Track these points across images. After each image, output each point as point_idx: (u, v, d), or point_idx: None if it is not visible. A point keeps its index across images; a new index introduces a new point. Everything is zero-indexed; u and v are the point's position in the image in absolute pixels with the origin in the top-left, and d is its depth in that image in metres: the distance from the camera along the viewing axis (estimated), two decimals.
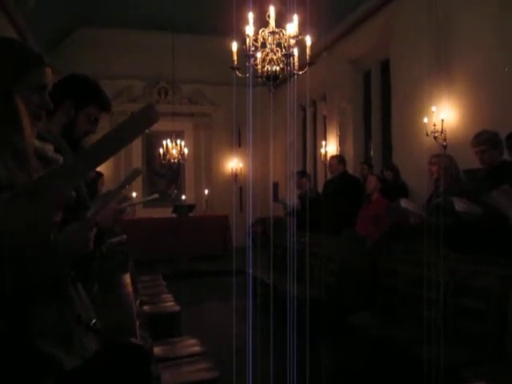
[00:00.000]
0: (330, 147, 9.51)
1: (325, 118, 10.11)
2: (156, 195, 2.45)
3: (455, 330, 3.29)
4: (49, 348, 1.06)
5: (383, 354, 3.57)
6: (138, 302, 3.06)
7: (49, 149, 1.54)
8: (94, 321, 1.23)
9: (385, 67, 8.27)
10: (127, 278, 2.51)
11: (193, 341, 3.36)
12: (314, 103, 10.83)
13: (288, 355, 3.03)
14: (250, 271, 5.94)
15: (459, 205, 3.61)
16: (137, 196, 11.55)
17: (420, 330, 3.36)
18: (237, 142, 12.20)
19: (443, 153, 5.46)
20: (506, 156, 4.05)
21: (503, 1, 5.44)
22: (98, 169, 6.23)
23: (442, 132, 6.35)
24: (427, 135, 6.45)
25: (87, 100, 1.94)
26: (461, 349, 3.13)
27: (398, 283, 4.10)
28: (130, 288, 2.36)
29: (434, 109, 6.39)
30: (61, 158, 1.37)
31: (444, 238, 3.26)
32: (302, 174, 7.08)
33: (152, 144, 11.92)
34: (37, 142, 1.31)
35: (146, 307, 4.15)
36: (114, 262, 3.26)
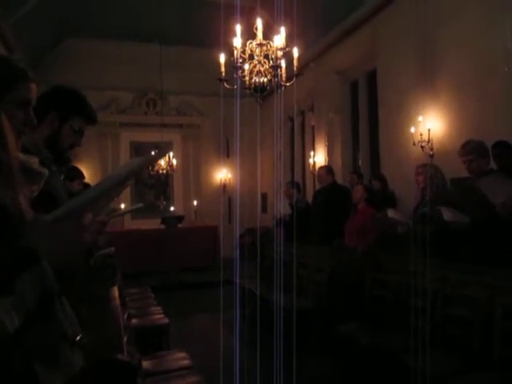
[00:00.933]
0: (319, 157, 9.55)
1: (313, 128, 10.17)
2: (141, 204, 2.44)
3: (444, 339, 3.30)
4: (33, 365, 1.04)
5: (372, 364, 3.56)
6: (125, 315, 3.02)
7: (34, 161, 1.53)
8: (79, 336, 1.21)
9: (372, 78, 8.35)
10: (115, 292, 2.48)
11: (182, 354, 3.33)
12: (302, 113, 10.89)
13: (276, 366, 3.01)
14: (238, 282, 5.92)
15: (447, 214, 3.65)
16: (125, 207, 11.50)
17: (409, 339, 3.36)
18: (225, 153, 12.20)
19: (430, 162, 5.51)
20: (491, 165, 4.11)
21: (489, 12, 5.53)
22: (86, 180, 6.14)
23: (428, 141, 6.40)
24: (414, 145, 6.51)
25: (72, 112, 1.92)
26: (449, 357, 3.14)
27: (387, 293, 4.10)
28: (117, 301, 2.33)
29: (420, 118, 6.46)
30: (46, 171, 1.36)
31: (431, 247, 3.28)
32: (294, 184, 7.11)
33: (140, 155, 11.86)
34: (21, 155, 1.30)
35: (134, 320, 4.10)
36: (101, 275, 3.22)
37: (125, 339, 2.21)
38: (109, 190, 1.16)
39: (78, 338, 1.20)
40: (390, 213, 4.42)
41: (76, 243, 1.15)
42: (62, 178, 2.41)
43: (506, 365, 2.84)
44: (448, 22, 6.13)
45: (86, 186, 5.43)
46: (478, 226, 3.54)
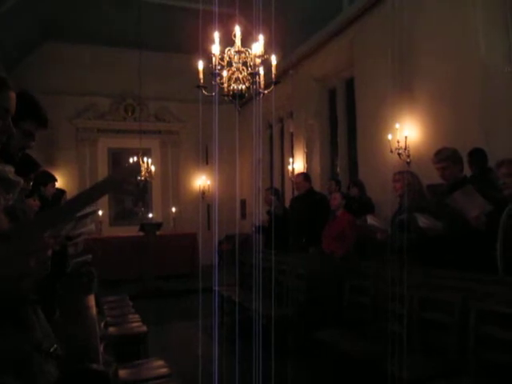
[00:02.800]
0: (298, 164, 9.60)
1: (292, 134, 10.23)
2: (95, 208, 2.40)
3: (420, 344, 3.34)
4: (4, 377, 1.02)
5: (351, 369, 3.58)
6: (102, 323, 2.98)
7: (9, 170, 1.51)
8: (54, 347, 1.19)
9: (350, 85, 8.44)
10: (91, 300, 2.45)
11: (160, 362, 3.29)
12: (281, 120, 10.95)
13: (255, 373, 3.00)
14: (217, 289, 5.90)
15: (422, 221, 3.70)
16: (103, 214, 11.38)
17: (387, 345, 3.39)
18: (204, 160, 12.19)
19: (407, 169, 5.59)
20: (466, 172, 4.18)
21: (465, 23, 5.64)
22: (61, 186, 6.14)
23: (405, 148, 6.50)
24: (391, 152, 6.60)
25: (23, 115, 1.85)
26: (426, 362, 3.17)
27: (365, 298, 4.13)
28: (93, 310, 2.30)
29: (397, 126, 6.55)
30: (21, 180, 1.34)
31: (409, 253, 3.32)
32: (273, 190, 7.12)
33: (118, 161, 11.78)
34: None
35: (111, 328, 4.05)
36: (78, 283, 3.18)
37: (101, 348, 2.19)
38: (72, 213, 1.16)
39: (52, 348, 1.18)
40: (370, 219, 4.46)
41: (13, 267, 1.08)
42: (30, 184, 2.37)
43: (480, 369, 2.89)
44: (425, 31, 6.24)
45: (62, 191, 5.37)
46: (451, 233, 3.60)
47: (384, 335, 3.61)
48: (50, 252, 1.18)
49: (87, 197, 1.12)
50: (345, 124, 8.80)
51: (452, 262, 3.51)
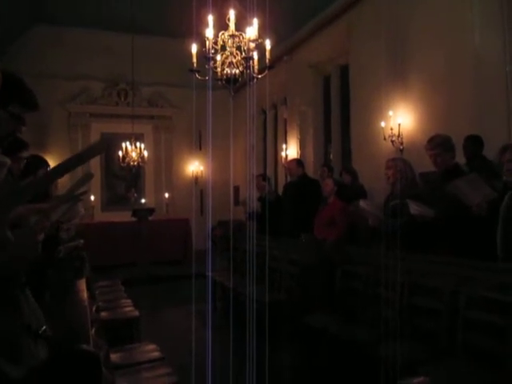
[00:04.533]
0: (291, 150, 9.59)
1: (285, 121, 10.20)
2: (85, 188, 2.37)
3: (411, 328, 3.37)
4: None
5: (342, 353, 3.62)
6: (94, 307, 2.98)
7: None
8: (43, 328, 1.19)
9: (345, 72, 8.41)
10: (82, 284, 2.44)
11: (152, 346, 3.31)
12: (274, 106, 10.91)
13: (248, 358, 3.02)
14: (210, 275, 5.92)
15: (413, 207, 3.71)
16: (95, 199, 11.34)
17: (378, 329, 3.42)
18: (197, 145, 12.13)
19: (399, 156, 5.59)
20: (458, 159, 4.20)
21: (460, 10, 5.62)
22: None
23: (398, 136, 6.51)
24: (385, 139, 6.60)
25: (9, 98, 1.80)
26: (416, 346, 3.20)
27: (356, 284, 4.16)
28: (84, 294, 2.30)
29: (391, 113, 6.55)
30: (8, 161, 1.32)
31: (400, 239, 3.34)
32: (263, 177, 7.11)
33: (111, 146, 11.70)
34: None
35: (103, 313, 4.06)
36: (69, 267, 3.18)
37: (93, 331, 2.19)
38: (53, 178, 1.15)
39: (41, 330, 1.18)
40: (362, 203, 4.46)
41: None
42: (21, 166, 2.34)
43: (469, 352, 2.93)
44: (420, 18, 6.22)
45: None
46: (446, 220, 3.62)
47: (375, 320, 3.65)
48: (41, 236, 1.17)
49: (68, 164, 1.11)
50: (339, 111, 8.78)
51: (444, 249, 3.54)
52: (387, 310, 3.46)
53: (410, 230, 3.71)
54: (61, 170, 1.14)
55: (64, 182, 2.45)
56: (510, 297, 2.75)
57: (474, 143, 4.67)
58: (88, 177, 1.35)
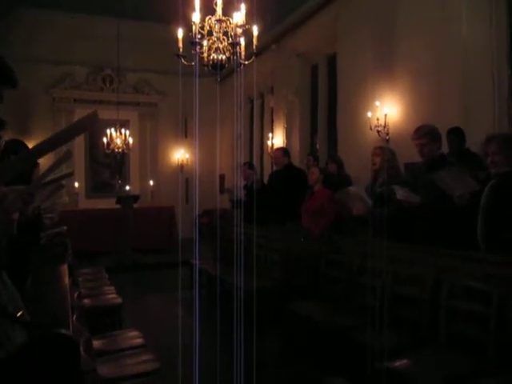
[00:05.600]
0: (277, 139, 9.57)
1: (272, 110, 10.16)
2: (70, 170, 2.34)
3: (394, 317, 3.39)
4: None
5: (326, 341, 3.64)
6: (76, 294, 2.95)
7: None
8: (21, 312, 1.17)
9: (332, 61, 8.39)
10: (64, 269, 2.41)
11: (134, 333, 3.29)
12: (261, 95, 10.86)
13: (233, 345, 3.02)
14: (197, 263, 5.92)
15: (399, 193, 3.72)
16: (79, 186, 11.22)
17: (361, 317, 3.45)
18: (183, 133, 12.05)
19: (388, 146, 5.61)
20: (443, 150, 4.22)
21: (448, 3, 5.61)
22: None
23: (384, 126, 6.52)
24: (371, 129, 6.62)
25: None
26: (399, 334, 3.23)
27: (340, 272, 4.18)
28: (66, 280, 2.27)
29: (377, 103, 6.55)
30: None
31: (385, 228, 3.35)
32: (249, 165, 7.09)
33: (95, 133, 11.57)
34: None
35: (86, 300, 4.02)
36: (51, 252, 3.13)
37: (74, 318, 2.16)
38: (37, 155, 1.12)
39: (19, 313, 1.16)
40: (353, 190, 4.47)
41: None
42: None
43: (451, 340, 2.96)
44: (408, 8, 6.21)
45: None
46: (429, 209, 3.64)
47: (358, 308, 3.68)
48: (16, 215, 1.14)
49: (52, 141, 1.09)
50: (326, 100, 8.77)
51: (426, 237, 3.56)
52: (371, 298, 3.49)
53: (396, 218, 3.73)
54: (45, 147, 1.11)
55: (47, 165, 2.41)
56: (491, 286, 2.78)
57: (455, 136, 4.69)
58: (67, 155, 1.32)
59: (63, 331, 1.09)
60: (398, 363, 2.72)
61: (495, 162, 3.19)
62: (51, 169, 1.36)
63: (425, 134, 3.89)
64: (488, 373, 2.61)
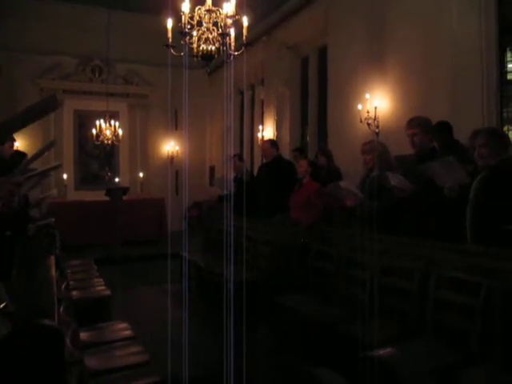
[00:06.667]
0: (267, 131, 9.55)
1: (262, 102, 10.14)
2: (59, 162, 2.33)
3: (383, 308, 3.41)
4: None
5: (314, 333, 3.65)
6: (63, 285, 2.93)
7: None
8: (4, 304, 1.16)
9: (323, 54, 8.37)
10: (51, 261, 2.39)
11: (123, 325, 3.28)
12: (252, 87, 10.83)
13: (226, 337, 3.02)
14: (186, 255, 5.91)
15: (394, 179, 3.72)
16: (67, 178, 11.15)
17: (349, 309, 3.47)
18: (173, 125, 11.99)
19: (375, 139, 5.61)
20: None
21: None
22: (24, 149, 5.97)
23: (374, 119, 6.53)
24: (361, 122, 6.62)
25: None
26: (387, 325, 3.25)
27: (328, 264, 4.19)
28: (52, 271, 2.25)
29: (367, 96, 6.56)
30: None
31: (376, 221, 3.36)
32: (239, 157, 7.07)
33: (84, 124, 11.47)
34: None
35: (74, 292, 4.00)
36: (38, 243, 3.11)
37: (61, 309, 2.15)
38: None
39: (2, 305, 1.14)
40: (343, 183, 4.45)
41: None
42: None
43: (438, 330, 2.99)
44: (399, 3, 6.20)
45: (23, 154, 5.19)
46: (418, 199, 3.64)
47: (346, 300, 3.69)
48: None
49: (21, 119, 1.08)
50: (316, 93, 8.76)
51: (417, 230, 3.57)
52: (359, 289, 3.50)
53: (386, 211, 3.74)
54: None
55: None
56: (478, 277, 2.80)
57: (441, 129, 4.69)
58: (51, 144, 1.30)
59: (47, 321, 1.08)
60: (382, 352, 2.74)
61: (481, 154, 3.23)
62: (35, 157, 1.34)
63: (418, 124, 3.91)
64: (474, 363, 2.64)
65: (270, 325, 4.35)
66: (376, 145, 4.51)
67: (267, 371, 3.70)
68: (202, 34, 3.89)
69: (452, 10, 5.48)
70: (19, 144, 7.62)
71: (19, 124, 1.09)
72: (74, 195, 11.10)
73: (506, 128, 5.40)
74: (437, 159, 3.54)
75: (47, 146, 1.55)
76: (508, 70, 5.70)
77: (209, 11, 3.86)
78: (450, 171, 3.41)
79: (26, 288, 1.66)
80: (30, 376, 1.09)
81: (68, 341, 1.66)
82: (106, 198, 9.51)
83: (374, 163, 4.34)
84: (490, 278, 2.75)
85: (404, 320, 3.25)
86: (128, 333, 3.15)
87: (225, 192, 6.26)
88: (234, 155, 7.11)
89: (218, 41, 3.90)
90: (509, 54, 5.83)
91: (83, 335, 2.98)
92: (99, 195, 9.99)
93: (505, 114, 5.48)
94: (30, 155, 5.38)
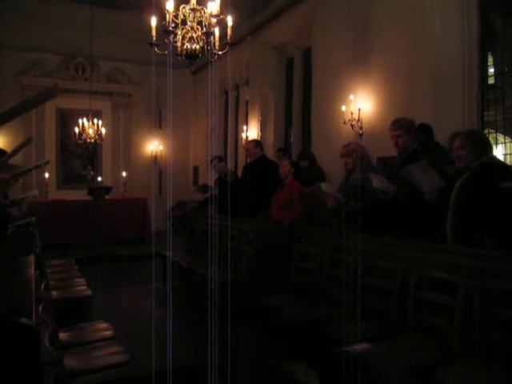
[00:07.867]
0: (252, 132, 9.55)
1: (247, 102, 10.13)
2: (46, 160, 2.30)
3: (364, 308, 3.44)
4: None
5: (296, 333, 3.66)
6: (43, 285, 2.89)
7: None
8: None
9: (307, 55, 8.40)
10: (30, 260, 2.36)
11: (103, 325, 3.25)
12: (236, 87, 10.82)
13: (210, 336, 3.01)
14: (170, 255, 5.89)
15: (376, 181, 3.74)
16: (49, 177, 11.01)
17: (331, 308, 3.48)
18: (157, 124, 11.91)
19: (358, 141, 5.64)
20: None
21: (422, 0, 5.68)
22: (4, 147, 5.90)
23: (358, 120, 6.56)
24: (345, 123, 6.65)
25: None
26: (369, 324, 3.27)
27: (311, 264, 4.21)
28: (31, 270, 2.22)
29: (351, 97, 6.59)
30: None
31: (357, 222, 3.38)
32: (219, 158, 7.09)
33: (67, 123, 11.34)
34: None
35: (54, 292, 3.95)
36: (18, 242, 3.07)
37: (40, 309, 2.12)
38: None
39: None
40: (324, 187, 4.47)
41: None
42: None
43: (418, 330, 3.02)
44: (383, 5, 6.25)
45: (3, 151, 5.11)
46: (401, 201, 3.68)
47: (328, 300, 3.71)
48: None
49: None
50: (300, 93, 8.79)
51: (398, 231, 3.60)
52: (342, 289, 3.52)
53: (368, 212, 3.76)
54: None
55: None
56: (457, 277, 2.84)
57: (423, 131, 4.74)
58: (28, 141, 1.28)
59: (23, 320, 1.06)
60: (356, 347, 2.77)
61: (459, 156, 3.28)
62: (12, 153, 1.33)
63: (402, 125, 3.95)
64: (452, 361, 2.67)
65: (254, 324, 4.35)
66: (355, 147, 4.53)
67: (248, 369, 3.70)
68: (187, 32, 3.87)
69: (435, 13, 5.54)
70: None
71: (21, 110, 1.09)
72: (56, 194, 10.96)
73: (486, 131, 5.47)
74: (413, 163, 3.58)
75: (24, 144, 1.53)
76: (489, 74, 5.79)
77: (193, 10, 3.85)
78: (425, 175, 3.45)
79: (3, 287, 1.64)
80: (5, 375, 1.07)
81: (46, 340, 1.64)
82: (89, 198, 9.42)
83: (355, 165, 4.38)
84: (469, 277, 2.78)
85: (385, 319, 3.28)
86: (108, 333, 3.12)
87: (208, 195, 6.26)
88: (214, 157, 7.10)
89: (203, 40, 3.88)
90: (490, 59, 5.92)
91: (63, 335, 2.94)
92: (82, 194, 9.89)
93: (486, 118, 5.55)
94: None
